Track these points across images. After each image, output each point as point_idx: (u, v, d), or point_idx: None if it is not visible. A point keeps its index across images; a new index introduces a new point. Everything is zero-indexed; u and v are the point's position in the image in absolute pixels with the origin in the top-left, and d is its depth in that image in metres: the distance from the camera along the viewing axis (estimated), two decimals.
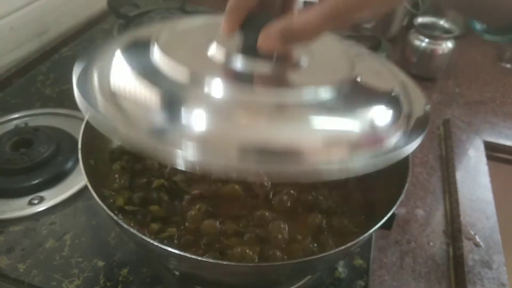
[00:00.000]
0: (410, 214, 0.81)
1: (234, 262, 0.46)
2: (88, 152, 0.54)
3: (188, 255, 0.41)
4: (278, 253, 0.50)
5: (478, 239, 0.75)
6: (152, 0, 1.33)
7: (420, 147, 0.96)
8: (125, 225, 0.43)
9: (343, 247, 0.43)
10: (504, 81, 1.23)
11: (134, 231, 0.42)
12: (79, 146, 0.52)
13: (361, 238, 0.43)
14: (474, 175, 0.89)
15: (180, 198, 0.57)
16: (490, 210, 0.81)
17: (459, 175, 0.87)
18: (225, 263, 0.41)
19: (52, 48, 1.11)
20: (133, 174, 0.59)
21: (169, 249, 0.41)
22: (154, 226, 0.52)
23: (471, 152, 0.95)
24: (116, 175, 0.59)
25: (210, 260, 0.41)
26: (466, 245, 0.74)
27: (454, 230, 0.78)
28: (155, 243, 0.41)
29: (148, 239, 0.42)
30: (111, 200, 0.55)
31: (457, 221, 0.78)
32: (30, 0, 1.07)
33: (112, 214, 0.44)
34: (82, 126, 0.54)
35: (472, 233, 0.76)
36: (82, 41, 1.11)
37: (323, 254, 0.42)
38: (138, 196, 0.55)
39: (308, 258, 0.42)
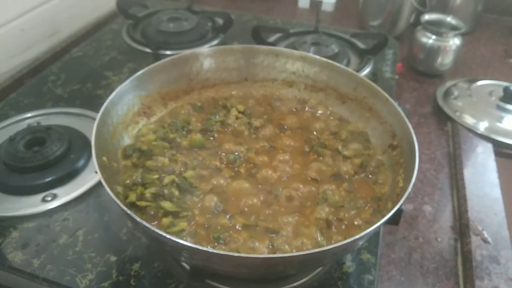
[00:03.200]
0: (418, 210, 0.82)
1: (244, 254, 0.47)
2: (100, 149, 0.55)
3: (200, 247, 0.42)
4: (286, 246, 0.51)
5: (486, 235, 0.75)
6: (160, 1, 1.35)
7: (428, 143, 0.97)
8: (138, 219, 0.44)
9: (349, 240, 0.43)
10: None
11: (148, 225, 0.43)
12: (93, 143, 0.53)
13: (368, 231, 0.44)
14: (482, 171, 0.89)
15: (191, 194, 0.58)
16: (498, 206, 0.81)
17: (467, 171, 0.88)
18: (235, 254, 0.42)
19: (63, 49, 1.12)
20: (144, 171, 0.61)
21: (182, 241, 0.42)
22: (166, 220, 0.53)
23: (479, 149, 0.95)
24: (128, 172, 0.61)
25: (220, 252, 0.42)
26: (474, 240, 0.74)
27: (462, 226, 0.78)
28: (168, 236, 0.42)
29: (162, 233, 0.43)
30: (124, 196, 0.56)
31: (465, 217, 0.78)
32: (41, 2, 1.09)
33: (125, 209, 0.45)
34: (95, 124, 0.56)
35: (480, 228, 0.76)
36: (92, 42, 1.13)
37: (330, 247, 0.42)
38: (150, 191, 0.56)
39: (315, 251, 0.43)
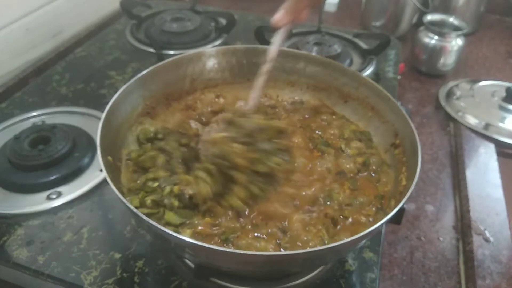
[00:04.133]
0: (420, 210, 0.82)
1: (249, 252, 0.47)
2: (105, 148, 0.55)
3: (205, 245, 0.42)
4: (292, 244, 0.51)
5: (487, 234, 0.75)
6: (163, 1, 1.35)
7: (430, 143, 0.97)
8: (144, 217, 0.44)
9: (352, 238, 0.44)
10: None
11: (153, 223, 0.44)
12: (98, 142, 0.53)
13: (370, 229, 0.44)
14: (484, 171, 0.89)
15: (193, 209, 0.56)
16: (500, 206, 0.81)
17: (469, 171, 0.88)
18: (240, 252, 0.43)
19: (67, 49, 1.13)
20: (147, 176, 0.59)
21: (187, 239, 0.43)
22: (170, 228, 0.51)
23: (481, 149, 0.95)
24: (131, 175, 0.60)
25: (226, 250, 0.42)
26: (476, 240, 0.74)
27: (464, 225, 0.78)
28: (174, 234, 0.42)
29: (167, 230, 0.43)
30: (127, 197, 0.56)
31: (467, 217, 0.79)
32: (45, 2, 1.09)
33: (131, 206, 0.45)
34: (100, 123, 0.56)
35: (482, 228, 0.76)
36: (95, 41, 1.14)
37: (333, 245, 0.43)
38: (150, 198, 0.55)
39: (319, 248, 0.43)
